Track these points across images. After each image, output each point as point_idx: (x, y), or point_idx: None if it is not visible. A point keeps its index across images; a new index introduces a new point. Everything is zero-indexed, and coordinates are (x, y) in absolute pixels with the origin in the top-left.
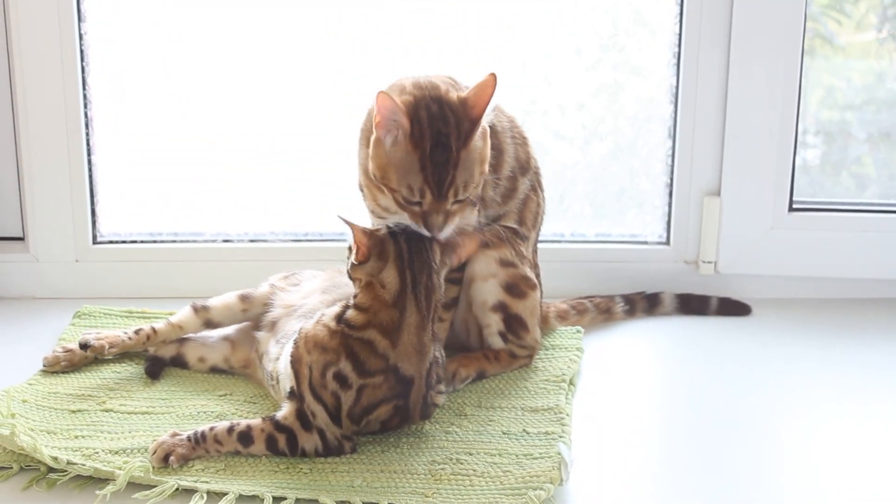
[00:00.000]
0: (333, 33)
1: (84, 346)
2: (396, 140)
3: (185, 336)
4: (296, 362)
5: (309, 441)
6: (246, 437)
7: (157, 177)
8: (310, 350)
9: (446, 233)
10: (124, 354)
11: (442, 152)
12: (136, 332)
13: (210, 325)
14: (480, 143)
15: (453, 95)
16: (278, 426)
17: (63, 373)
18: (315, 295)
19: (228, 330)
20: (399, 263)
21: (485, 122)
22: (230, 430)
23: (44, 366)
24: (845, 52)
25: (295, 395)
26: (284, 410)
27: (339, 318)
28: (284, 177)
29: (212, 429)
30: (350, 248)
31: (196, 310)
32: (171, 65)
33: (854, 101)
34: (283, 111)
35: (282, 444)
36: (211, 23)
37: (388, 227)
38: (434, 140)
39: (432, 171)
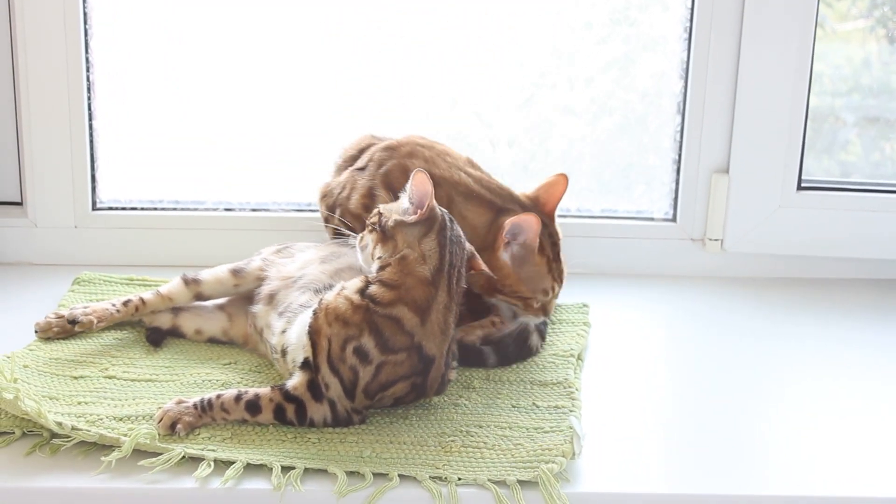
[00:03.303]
0: (334, 34)
1: (72, 321)
2: (515, 254)
3: (178, 306)
4: (314, 333)
5: (318, 411)
6: (254, 405)
7: (159, 143)
8: (330, 322)
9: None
10: (125, 321)
11: (556, 248)
12: (125, 303)
13: (200, 298)
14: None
15: (523, 198)
16: (288, 396)
17: (56, 339)
18: (314, 265)
19: (223, 299)
20: (441, 239)
21: None
22: (238, 398)
23: (35, 331)
24: (833, 38)
25: (309, 365)
26: (295, 380)
27: (363, 292)
28: (288, 146)
29: (218, 397)
30: (379, 214)
31: (187, 282)
32: (175, 31)
33: (841, 88)
34: (288, 86)
35: (290, 413)
36: None
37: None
38: (549, 243)
39: (556, 267)
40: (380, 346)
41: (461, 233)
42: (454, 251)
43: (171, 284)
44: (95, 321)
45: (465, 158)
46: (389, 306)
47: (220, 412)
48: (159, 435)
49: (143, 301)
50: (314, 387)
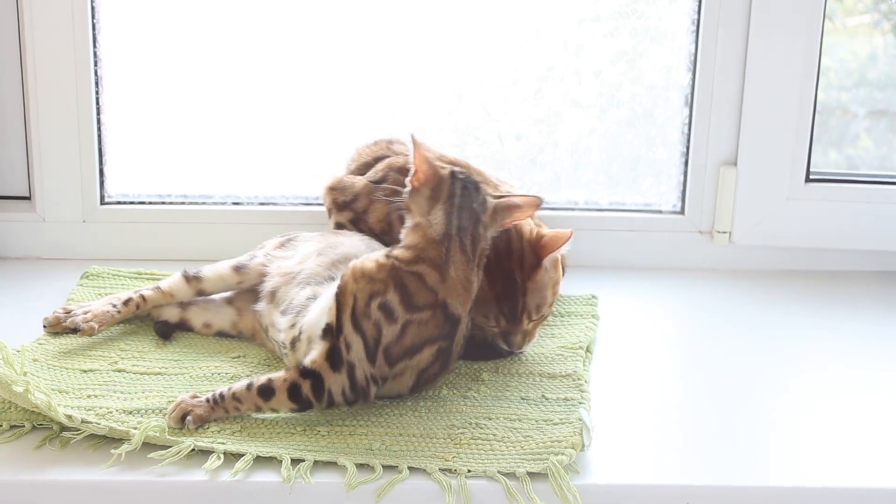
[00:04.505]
0: (341, 27)
1: (74, 329)
2: None
3: (184, 301)
4: (341, 293)
5: (336, 382)
6: (266, 389)
7: (167, 137)
8: (357, 279)
9: (525, 348)
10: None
11: (510, 286)
12: (125, 303)
13: (202, 294)
14: (552, 272)
15: (526, 229)
16: (304, 372)
17: (65, 333)
18: (311, 258)
19: (229, 292)
20: (448, 207)
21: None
22: (249, 386)
23: (44, 326)
24: (839, 32)
25: (331, 331)
26: (314, 354)
27: (388, 254)
28: (296, 140)
29: (230, 389)
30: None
31: (188, 279)
32: (183, 25)
33: (847, 83)
34: (295, 79)
35: (306, 389)
36: None
37: (451, 170)
38: (504, 277)
39: (505, 303)
40: (404, 302)
41: (476, 199)
42: (463, 216)
43: (172, 281)
44: (97, 327)
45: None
46: (412, 263)
47: (231, 402)
48: (169, 427)
49: (143, 298)
50: (334, 354)
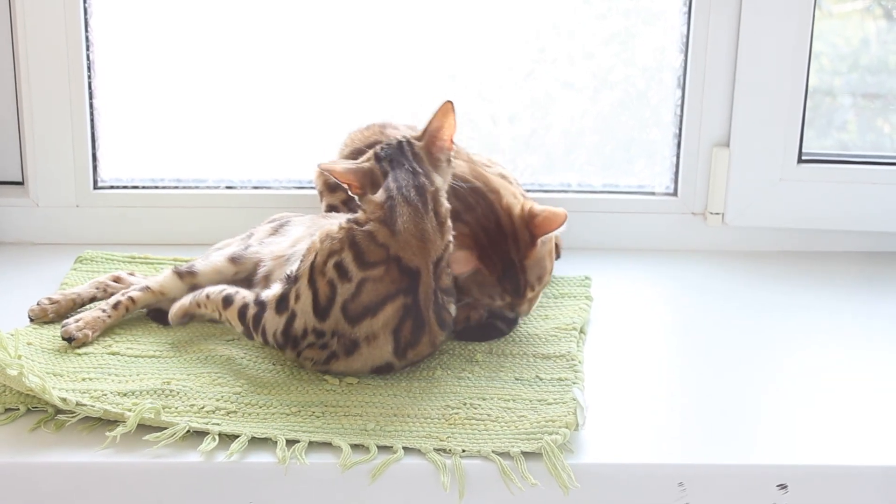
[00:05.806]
0: (334, 10)
1: (69, 339)
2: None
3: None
4: (309, 251)
5: (273, 322)
6: (228, 299)
7: (160, 122)
8: (322, 239)
9: (531, 311)
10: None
11: (509, 266)
12: (115, 306)
13: (196, 288)
14: (548, 243)
15: (516, 208)
16: (257, 300)
17: (53, 323)
18: (305, 240)
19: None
20: (385, 182)
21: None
22: (221, 291)
23: (30, 318)
24: (831, 18)
25: (290, 278)
26: (270, 291)
27: (349, 219)
28: (289, 123)
29: (209, 290)
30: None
31: (181, 275)
32: (175, 9)
33: (840, 68)
34: (288, 63)
35: (250, 314)
36: None
37: (374, 155)
38: (501, 259)
39: (507, 282)
40: (357, 260)
41: (406, 159)
42: (399, 177)
43: (164, 278)
44: (91, 334)
45: (468, 168)
46: (365, 224)
47: (205, 299)
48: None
49: (132, 300)
50: (283, 300)
